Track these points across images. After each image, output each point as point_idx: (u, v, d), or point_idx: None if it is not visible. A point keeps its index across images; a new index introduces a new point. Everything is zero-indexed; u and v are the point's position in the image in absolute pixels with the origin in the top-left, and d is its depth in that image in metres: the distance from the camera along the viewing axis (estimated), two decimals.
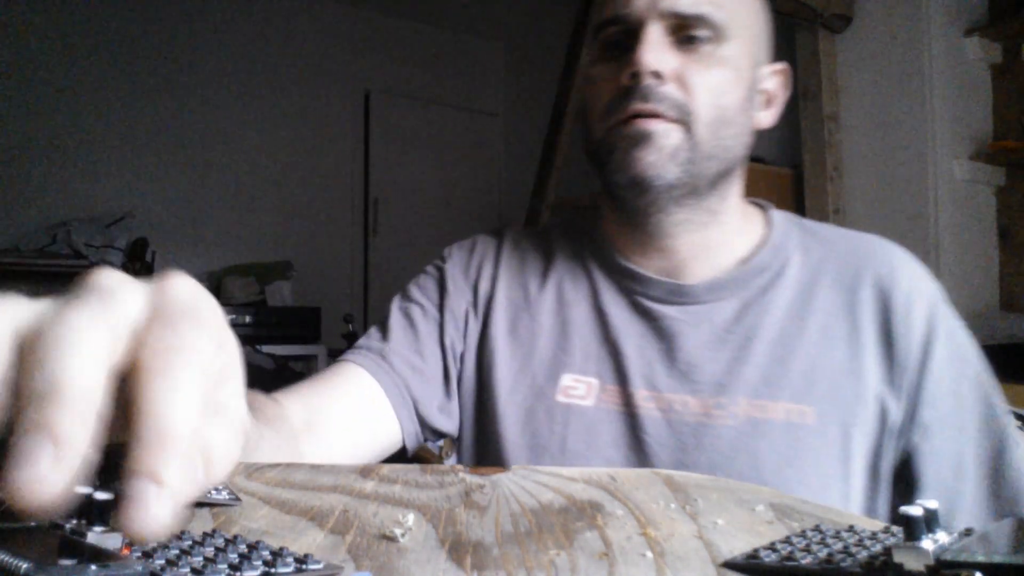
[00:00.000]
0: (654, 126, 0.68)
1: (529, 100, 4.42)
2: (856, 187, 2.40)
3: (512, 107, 4.82)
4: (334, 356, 2.62)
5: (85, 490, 0.23)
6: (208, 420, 0.23)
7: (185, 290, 0.24)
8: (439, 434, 0.79)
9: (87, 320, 0.22)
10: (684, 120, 0.68)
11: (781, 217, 0.80)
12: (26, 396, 0.20)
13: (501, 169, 4.82)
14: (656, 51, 0.68)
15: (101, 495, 0.23)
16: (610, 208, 0.78)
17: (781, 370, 0.71)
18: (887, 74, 2.30)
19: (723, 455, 0.68)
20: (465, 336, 0.80)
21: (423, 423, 0.77)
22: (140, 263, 3.64)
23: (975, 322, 1.81)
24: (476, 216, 4.50)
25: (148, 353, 0.22)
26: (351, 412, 0.73)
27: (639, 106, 0.68)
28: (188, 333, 0.23)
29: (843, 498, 0.68)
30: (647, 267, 0.76)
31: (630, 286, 0.76)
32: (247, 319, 3.79)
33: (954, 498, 0.68)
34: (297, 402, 0.69)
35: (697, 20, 0.68)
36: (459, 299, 0.81)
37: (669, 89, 0.68)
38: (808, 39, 2.42)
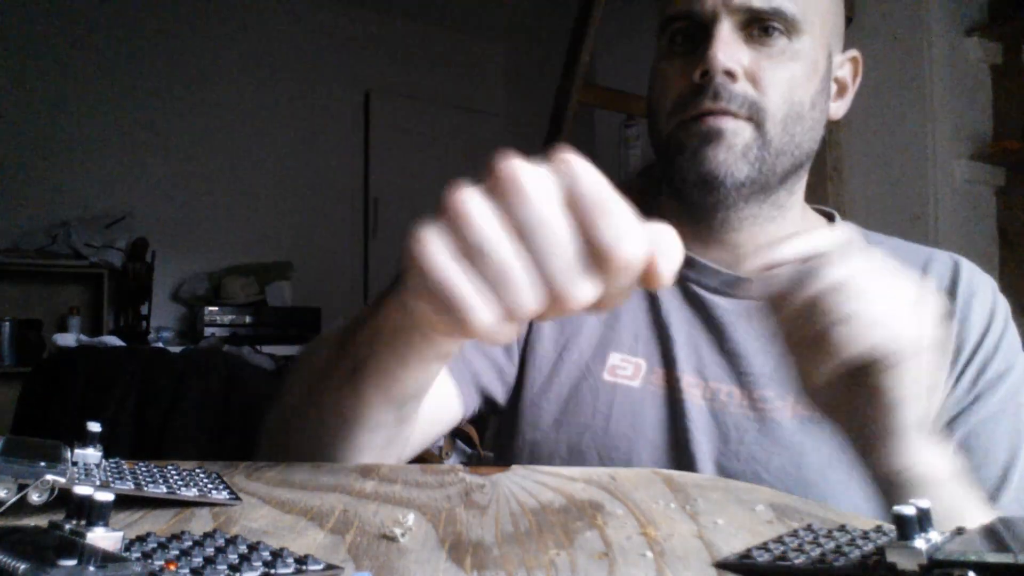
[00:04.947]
0: (724, 123, 0.67)
1: (529, 100, 4.42)
2: (856, 187, 2.40)
3: (512, 107, 4.82)
4: None
5: (85, 490, 0.23)
6: None
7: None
8: (491, 405, 0.75)
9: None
10: (755, 117, 0.67)
11: (846, 227, 0.76)
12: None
13: None
14: (728, 49, 0.66)
15: (101, 495, 0.23)
16: (673, 201, 0.76)
17: None
18: (887, 74, 2.30)
19: (765, 449, 0.67)
20: None
21: (482, 395, 0.74)
22: (140, 263, 3.64)
23: None
24: None
25: None
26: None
27: (710, 105, 0.67)
28: None
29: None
30: (705, 257, 0.74)
31: (684, 272, 0.72)
32: (247, 319, 3.78)
33: (1008, 471, 0.65)
34: None
35: (771, 14, 0.67)
36: None
37: (741, 87, 0.67)
38: None
